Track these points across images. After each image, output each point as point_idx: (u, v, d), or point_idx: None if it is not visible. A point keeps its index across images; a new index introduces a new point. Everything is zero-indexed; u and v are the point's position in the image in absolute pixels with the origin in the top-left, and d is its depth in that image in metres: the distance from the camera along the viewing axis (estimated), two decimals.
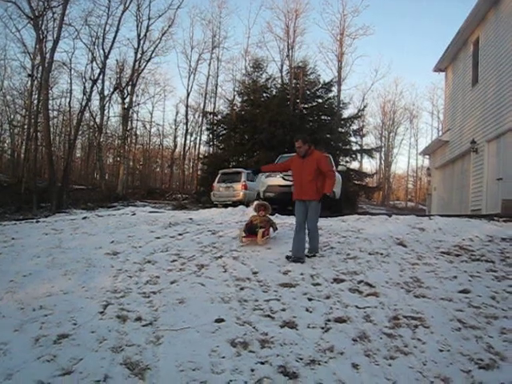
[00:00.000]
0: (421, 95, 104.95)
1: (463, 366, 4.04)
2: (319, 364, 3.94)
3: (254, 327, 4.61)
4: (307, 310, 5.08)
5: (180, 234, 9.07)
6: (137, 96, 41.53)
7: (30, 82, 35.28)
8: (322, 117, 32.06)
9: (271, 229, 8.39)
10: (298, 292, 5.64)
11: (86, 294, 5.59)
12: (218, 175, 19.43)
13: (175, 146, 49.68)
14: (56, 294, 5.61)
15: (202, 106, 43.48)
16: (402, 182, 67.40)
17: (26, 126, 36.39)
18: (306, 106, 31.90)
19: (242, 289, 5.72)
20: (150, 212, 12.75)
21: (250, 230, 8.05)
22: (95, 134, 39.10)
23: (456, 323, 4.94)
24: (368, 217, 11.18)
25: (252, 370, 3.80)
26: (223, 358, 3.98)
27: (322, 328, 4.65)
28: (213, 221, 10.24)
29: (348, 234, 8.97)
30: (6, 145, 46.60)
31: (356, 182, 31.04)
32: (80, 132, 38.62)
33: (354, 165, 36.44)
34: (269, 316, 4.89)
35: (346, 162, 31.23)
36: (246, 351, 4.11)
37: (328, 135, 29.82)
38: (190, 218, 10.90)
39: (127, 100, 36.61)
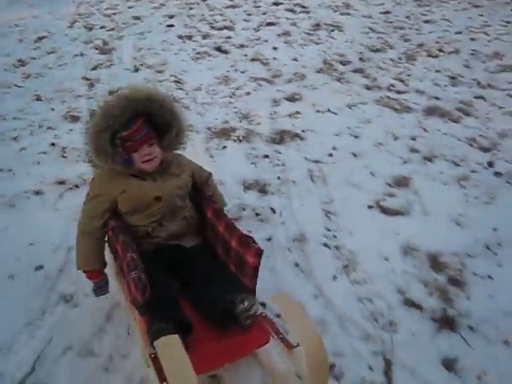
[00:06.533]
0: None
1: (359, 49, 5.31)
2: (247, 47, 5.12)
3: (197, 29, 5.64)
4: (245, 20, 6.07)
5: None
6: None
7: None
8: None
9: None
10: (240, 11, 6.54)
11: (54, 17, 6.28)
12: None
13: None
14: (28, 17, 6.30)
15: None
16: None
17: None
18: None
19: (191, 9, 6.56)
20: None
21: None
22: None
23: (367, 29, 6.08)
24: None
25: (194, 49, 4.96)
26: (172, 44, 5.09)
27: (254, 29, 5.73)
28: None
29: None
30: None
31: None
32: None
33: None
34: (211, 24, 5.88)
35: None
36: (190, 41, 5.22)
37: None
38: None
39: None
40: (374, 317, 1.94)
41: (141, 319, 1.51)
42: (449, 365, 1.77)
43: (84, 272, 1.67)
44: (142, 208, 1.66)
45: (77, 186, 2.56)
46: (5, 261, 2.00)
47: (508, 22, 6.98)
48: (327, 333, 1.84)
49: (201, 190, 1.89)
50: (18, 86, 3.66)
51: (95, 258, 1.66)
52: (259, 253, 1.52)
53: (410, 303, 2.03)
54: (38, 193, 2.47)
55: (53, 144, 2.92)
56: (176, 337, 1.30)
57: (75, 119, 3.27)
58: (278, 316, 1.74)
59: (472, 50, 5.69)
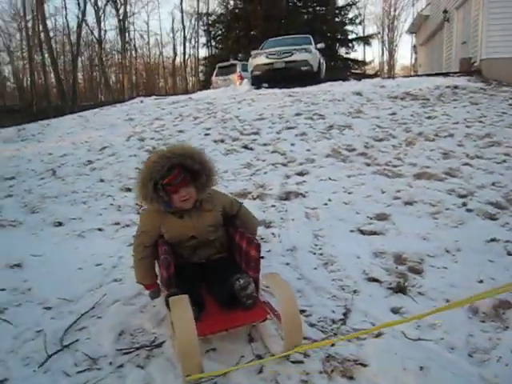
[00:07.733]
0: None
1: (365, 140, 6.29)
2: (269, 144, 6.21)
3: (229, 136, 6.86)
4: (269, 127, 7.29)
5: (182, 107, 11.18)
6: (130, 6, 41.69)
7: (20, 1, 35.53)
8: (317, 7, 32.26)
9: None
10: (266, 121, 7.84)
11: (114, 135, 7.83)
12: (216, 69, 21.03)
13: (175, 54, 50.17)
14: (95, 136, 7.88)
15: (196, 8, 43.38)
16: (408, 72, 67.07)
17: (25, 48, 37.07)
18: None
19: (225, 122, 7.94)
20: (155, 99, 14.80)
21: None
22: (95, 48, 39.97)
23: (374, 126, 7.13)
24: (340, 82, 13.05)
25: (225, 148, 6.09)
26: (207, 146, 6.27)
27: (277, 132, 6.89)
28: (208, 97, 12.28)
29: (318, 93, 10.96)
30: (6, 72, 46.85)
31: (354, 71, 31.91)
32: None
33: (355, 55, 36.69)
34: (241, 132, 7.13)
35: (346, 52, 31.87)
36: (222, 143, 6.39)
37: (324, 27, 30.32)
38: (190, 97, 12.96)
39: (121, 11, 37.12)
40: (342, 287, 2.54)
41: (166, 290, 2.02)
42: (395, 311, 2.32)
43: (142, 285, 2.29)
44: (181, 242, 2.20)
45: (128, 225, 3.43)
46: (76, 262, 2.82)
47: (503, 113, 7.87)
48: (304, 296, 2.46)
49: (231, 219, 2.37)
50: (87, 175, 4.79)
51: (149, 275, 2.25)
52: (259, 246, 2.05)
53: (372, 279, 2.62)
54: (100, 229, 3.37)
55: (111, 204, 3.89)
56: (185, 296, 1.78)
57: (128, 190, 4.28)
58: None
59: (466, 133, 6.53)
